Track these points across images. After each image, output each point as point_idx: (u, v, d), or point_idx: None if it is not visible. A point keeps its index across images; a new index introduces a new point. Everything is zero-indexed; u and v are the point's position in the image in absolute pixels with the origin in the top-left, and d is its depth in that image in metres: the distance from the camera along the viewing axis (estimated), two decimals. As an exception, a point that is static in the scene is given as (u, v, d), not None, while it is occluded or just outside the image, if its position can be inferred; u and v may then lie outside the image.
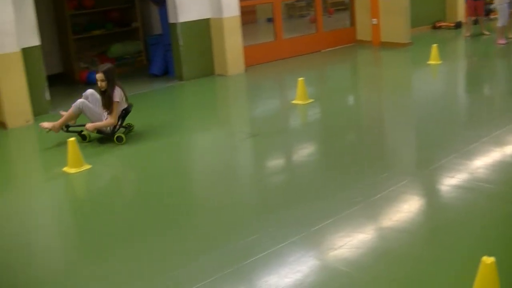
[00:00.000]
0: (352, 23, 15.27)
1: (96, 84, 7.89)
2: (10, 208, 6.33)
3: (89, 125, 7.86)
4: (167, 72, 12.41)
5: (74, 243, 5.50)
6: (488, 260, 3.68)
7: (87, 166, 7.12)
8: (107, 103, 7.88)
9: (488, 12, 17.25)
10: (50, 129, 7.94)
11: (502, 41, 13.93)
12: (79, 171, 7.01)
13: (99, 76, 7.77)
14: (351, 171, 6.53)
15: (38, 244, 5.47)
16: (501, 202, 5.53)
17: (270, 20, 14.36)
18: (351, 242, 4.85)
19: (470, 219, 5.27)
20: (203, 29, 11.84)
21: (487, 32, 15.04)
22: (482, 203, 5.55)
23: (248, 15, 15.04)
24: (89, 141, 8.07)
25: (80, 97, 8.11)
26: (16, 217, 6.06)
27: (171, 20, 11.64)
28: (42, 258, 5.20)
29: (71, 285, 4.63)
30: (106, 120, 7.90)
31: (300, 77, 9.47)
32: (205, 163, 7.33)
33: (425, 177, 6.28)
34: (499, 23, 13.98)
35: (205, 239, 5.15)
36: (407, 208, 5.48)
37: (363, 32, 14.99)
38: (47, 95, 9.91)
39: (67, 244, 5.52)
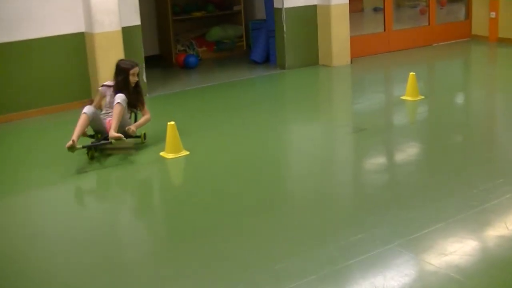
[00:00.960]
0: (468, 15, 14.95)
1: (128, 80, 7.47)
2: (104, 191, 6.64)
3: (131, 127, 7.40)
4: (268, 59, 12.55)
5: (172, 229, 5.70)
6: None
7: (185, 152, 7.34)
8: (138, 99, 7.64)
9: None
10: (72, 146, 6.95)
11: None
12: (177, 157, 7.25)
13: (136, 70, 7.52)
14: (462, 174, 6.44)
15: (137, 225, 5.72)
16: None
17: (376, 9, 14.24)
18: (463, 248, 4.81)
19: None
20: (309, 16, 11.91)
21: None
22: None
23: (353, 4, 14.97)
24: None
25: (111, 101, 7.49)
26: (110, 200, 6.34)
27: (276, 4, 11.76)
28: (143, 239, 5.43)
29: (171, 268, 4.82)
30: (145, 117, 7.70)
31: (411, 71, 9.40)
32: (307, 156, 7.39)
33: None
34: None
35: (308, 235, 5.23)
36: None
37: (479, 26, 14.64)
38: (144, 77, 10.20)
39: (164, 229, 5.73)
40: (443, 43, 14.26)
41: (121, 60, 7.78)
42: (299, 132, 8.42)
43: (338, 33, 11.90)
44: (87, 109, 7.20)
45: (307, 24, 11.91)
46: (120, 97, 7.22)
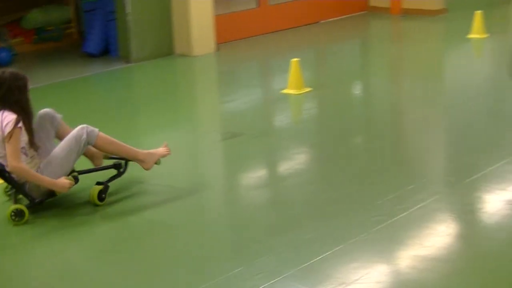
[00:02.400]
0: (364, -17, 15.55)
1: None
2: None
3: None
4: (108, 50, 12.51)
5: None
6: None
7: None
8: None
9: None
10: None
11: None
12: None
13: None
14: (364, 182, 6.77)
15: None
16: None
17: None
18: (369, 275, 5.05)
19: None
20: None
21: None
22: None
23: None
24: None
25: None
26: None
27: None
28: None
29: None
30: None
31: (294, 57, 9.69)
32: (165, 175, 7.44)
33: (465, 189, 6.51)
34: None
35: (177, 272, 5.33)
36: (443, 230, 5.70)
37: (378, -4, 15.28)
38: None
39: None
40: (334, 18, 14.71)
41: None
42: (153, 145, 8.42)
43: (199, 12, 12.02)
44: None
45: (158, 2, 11.97)
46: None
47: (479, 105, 9.13)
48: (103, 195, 6.49)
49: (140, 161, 6.74)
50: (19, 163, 6.11)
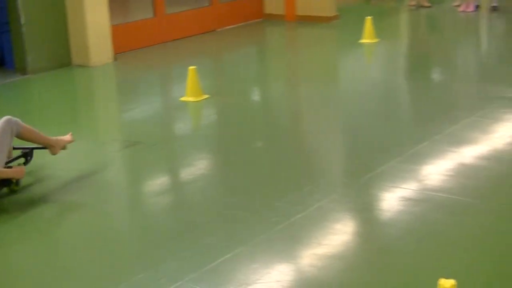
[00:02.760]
0: (260, -9, 15.68)
1: None
2: None
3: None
4: (3, 62, 12.29)
5: None
6: (447, 283, 4.05)
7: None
8: None
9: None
10: None
11: (470, 8, 14.99)
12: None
13: None
14: (264, 185, 6.87)
15: None
16: (458, 215, 5.99)
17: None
18: (269, 274, 5.15)
19: (421, 236, 5.69)
20: (55, 2, 11.86)
21: (427, 4, 15.74)
22: (435, 216, 5.99)
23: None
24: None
25: None
26: None
27: (8, -13, 11.65)
28: None
29: None
30: None
31: (191, 65, 9.73)
32: (68, 185, 7.42)
33: (360, 188, 6.68)
34: None
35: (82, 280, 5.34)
36: (340, 228, 5.85)
37: (273, 3, 15.40)
38: None
39: None
40: (231, 26, 14.81)
41: None
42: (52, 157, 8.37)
43: (95, 21, 11.90)
44: None
45: (53, 11, 11.77)
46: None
47: (372, 107, 9.36)
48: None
49: (51, 146, 7.25)
50: None
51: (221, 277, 5.15)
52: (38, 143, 7.26)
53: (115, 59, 12.23)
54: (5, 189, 6.82)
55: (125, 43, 12.76)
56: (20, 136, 6.98)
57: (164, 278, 5.16)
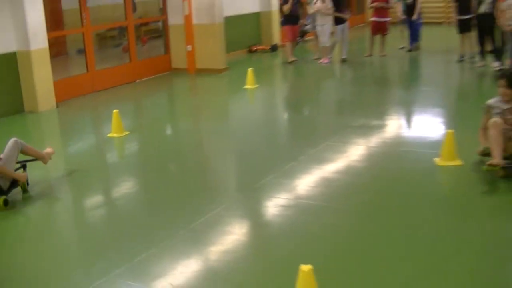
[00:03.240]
0: (167, 50, 15.71)
1: None
2: None
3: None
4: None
5: None
6: (306, 267, 4.11)
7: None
8: None
9: (304, 34, 18.57)
10: None
11: (326, 60, 15.23)
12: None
13: None
14: (173, 200, 6.84)
15: None
16: (318, 216, 6.09)
17: (80, 51, 14.31)
18: (175, 268, 5.16)
19: (290, 233, 5.78)
20: (9, 62, 11.62)
21: (293, 58, 16.00)
22: (301, 218, 6.09)
23: (57, 47, 14.98)
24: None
25: None
26: None
27: (-29, 53, 11.37)
28: None
29: None
30: None
31: (115, 109, 9.65)
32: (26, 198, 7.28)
33: (246, 199, 6.75)
34: (323, 43, 15.23)
35: None
36: (230, 230, 5.89)
37: (178, 59, 15.45)
38: None
39: None
40: (146, 78, 14.77)
41: None
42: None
43: (41, 78, 11.70)
44: None
45: (8, 71, 11.56)
46: None
47: (254, 137, 9.46)
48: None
49: (43, 158, 7.74)
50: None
51: (139, 272, 5.11)
52: (35, 157, 7.70)
53: (57, 106, 12.04)
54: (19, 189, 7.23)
55: (65, 93, 12.55)
56: (23, 152, 7.48)
57: (95, 274, 5.11)
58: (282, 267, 5.02)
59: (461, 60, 14.43)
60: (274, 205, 6.44)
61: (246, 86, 12.77)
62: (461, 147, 7.44)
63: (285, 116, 11.27)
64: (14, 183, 7.14)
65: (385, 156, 8.01)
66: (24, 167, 7.56)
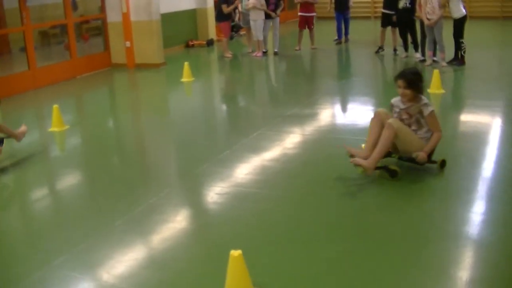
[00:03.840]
0: (106, 47, 15.47)
1: None
2: None
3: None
4: None
5: None
6: (236, 253, 4.08)
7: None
8: None
9: (238, 29, 18.56)
10: None
11: (259, 54, 15.25)
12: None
13: None
14: (114, 191, 6.72)
15: None
16: (250, 202, 6.07)
17: (23, 49, 13.97)
18: (114, 255, 5.06)
19: (225, 219, 5.75)
20: None
21: (228, 54, 15.96)
22: (233, 204, 6.07)
23: (0, 45, 14.62)
24: None
25: None
26: None
27: None
28: None
29: None
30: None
31: (56, 104, 9.44)
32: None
33: (182, 187, 6.69)
34: (256, 37, 15.25)
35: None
36: (165, 218, 5.80)
37: (117, 55, 15.25)
38: None
39: None
40: (87, 74, 14.52)
41: None
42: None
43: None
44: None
45: None
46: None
47: (190, 127, 9.37)
48: None
49: (16, 136, 8.18)
50: None
51: (79, 261, 5.00)
52: (9, 134, 8.10)
53: (0, 103, 11.72)
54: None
55: (6, 90, 12.23)
56: None
57: (34, 265, 4.98)
58: (215, 253, 4.95)
59: (378, 51, 14.70)
60: (209, 193, 6.38)
61: (183, 80, 12.66)
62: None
63: (220, 107, 11.21)
64: None
65: (315, 143, 8.04)
66: (1, 141, 7.99)
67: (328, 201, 5.98)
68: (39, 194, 7.09)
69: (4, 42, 16.44)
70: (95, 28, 18.88)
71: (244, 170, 7.01)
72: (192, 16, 18.58)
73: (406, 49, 13.90)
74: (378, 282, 4.42)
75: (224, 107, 11.15)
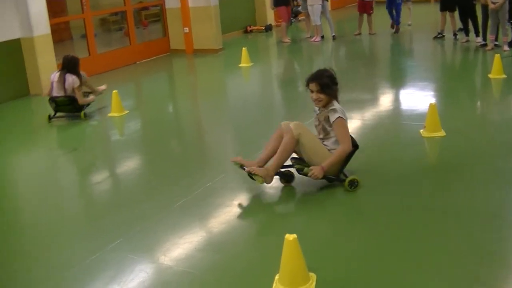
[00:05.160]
0: (165, 33, 15.60)
1: None
2: None
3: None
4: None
5: None
6: (290, 236, 4.05)
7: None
8: None
9: (296, 14, 18.46)
10: None
11: (317, 39, 15.19)
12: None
13: None
14: (169, 175, 6.76)
15: None
16: (305, 186, 5.99)
17: (84, 36, 14.22)
18: (180, 233, 5.12)
19: (279, 203, 5.77)
20: (14, 49, 11.52)
21: (287, 40, 15.88)
22: (292, 188, 6.00)
23: (62, 32, 14.87)
24: None
25: None
26: None
27: (-25, 43, 11.29)
28: None
29: None
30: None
31: (115, 90, 9.57)
32: (28, 183, 7.22)
33: (239, 171, 6.62)
34: (314, 22, 15.18)
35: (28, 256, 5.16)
36: (223, 202, 5.80)
37: (176, 41, 15.37)
38: None
39: None
40: (146, 59, 14.69)
41: None
42: (18, 161, 8.13)
43: (44, 63, 11.65)
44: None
45: (13, 57, 11.49)
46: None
47: (251, 111, 9.42)
48: None
49: (96, 91, 9.91)
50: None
51: (136, 243, 5.05)
52: (91, 90, 9.78)
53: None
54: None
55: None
56: (83, 83, 9.53)
57: (92, 247, 5.05)
58: (271, 237, 4.95)
59: (437, 36, 14.33)
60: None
61: (241, 65, 12.66)
62: (444, 119, 7.36)
63: (278, 92, 11.18)
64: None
65: (373, 128, 7.93)
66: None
67: (388, 186, 5.87)
68: (98, 177, 7.21)
69: (66, 29, 16.79)
70: (154, 15, 19.07)
71: (301, 155, 6.95)
72: (250, 1, 18.55)
73: (466, 33, 13.55)
74: (437, 272, 4.32)
75: (281, 91, 11.11)
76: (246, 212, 5.64)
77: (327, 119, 5.81)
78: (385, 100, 9.49)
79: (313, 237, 4.87)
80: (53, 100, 9.39)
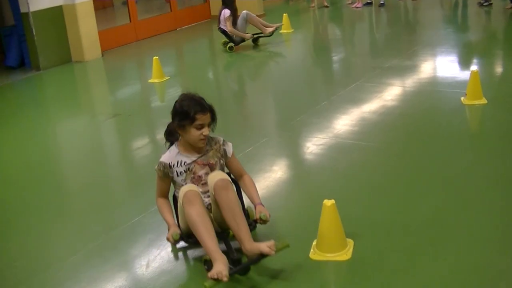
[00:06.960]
0: (206, -1, 15.59)
1: None
2: None
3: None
4: (24, 63, 12.15)
5: None
6: (329, 202, 4.08)
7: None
8: None
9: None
10: None
11: (359, 5, 14.99)
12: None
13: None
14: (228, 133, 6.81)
15: None
16: (347, 152, 6.03)
17: (124, 3, 14.32)
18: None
19: (320, 169, 5.75)
20: (56, 16, 11.68)
21: (326, 4, 15.76)
22: (331, 154, 6.04)
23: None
24: None
25: None
26: None
27: (22, 9, 11.40)
28: None
29: None
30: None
31: (156, 56, 9.63)
32: (71, 146, 7.39)
33: (278, 137, 6.74)
34: None
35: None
36: (262, 167, 5.83)
37: (217, 7, 15.01)
38: None
39: None
40: (187, 26, 14.71)
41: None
42: (61, 125, 8.29)
43: (86, 29, 11.80)
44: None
45: (55, 24, 11.67)
46: None
47: (290, 77, 9.39)
48: None
49: (264, 30, 11.40)
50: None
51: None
52: (259, 28, 11.32)
53: (103, 55, 12.11)
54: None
55: (109, 43, 12.66)
56: (250, 22, 11.17)
57: (137, 209, 5.15)
58: (310, 203, 4.95)
59: (482, 4, 13.93)
60: (305, 143, 6.36)
61: (282, 31, 12.60)
62: (486, 86, 7.26)
63: (319, 58, 11.09)
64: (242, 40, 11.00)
65: (414, 95, 7.84)
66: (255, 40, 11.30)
67: (426, 155, 5.83)
68: (140, 143, 7.31)
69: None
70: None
71: (342, 121, 6.93)
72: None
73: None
74: (477, 242, 4.30)
75: (322, 58, 11.04)
76: (286, 177, 5.68)
77: (224, 154, 4.53)
78: (427, 67, 9.36)
79: (352, 203, 4.88)
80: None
